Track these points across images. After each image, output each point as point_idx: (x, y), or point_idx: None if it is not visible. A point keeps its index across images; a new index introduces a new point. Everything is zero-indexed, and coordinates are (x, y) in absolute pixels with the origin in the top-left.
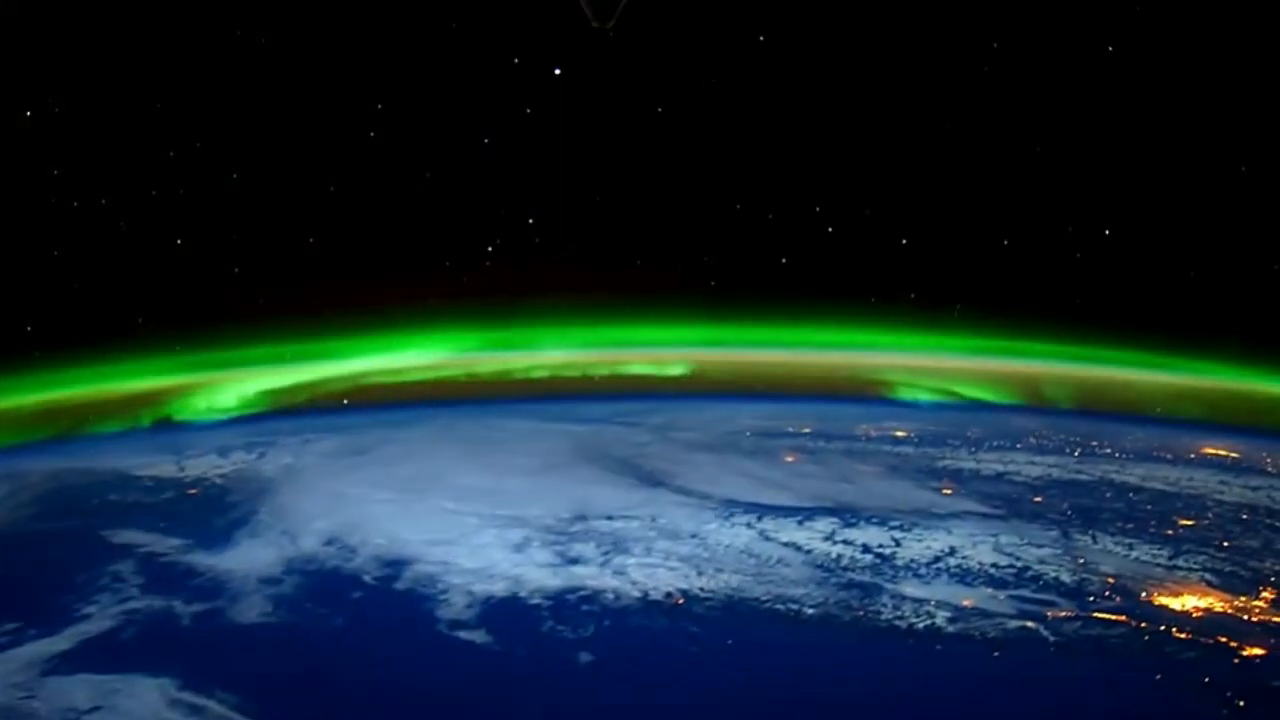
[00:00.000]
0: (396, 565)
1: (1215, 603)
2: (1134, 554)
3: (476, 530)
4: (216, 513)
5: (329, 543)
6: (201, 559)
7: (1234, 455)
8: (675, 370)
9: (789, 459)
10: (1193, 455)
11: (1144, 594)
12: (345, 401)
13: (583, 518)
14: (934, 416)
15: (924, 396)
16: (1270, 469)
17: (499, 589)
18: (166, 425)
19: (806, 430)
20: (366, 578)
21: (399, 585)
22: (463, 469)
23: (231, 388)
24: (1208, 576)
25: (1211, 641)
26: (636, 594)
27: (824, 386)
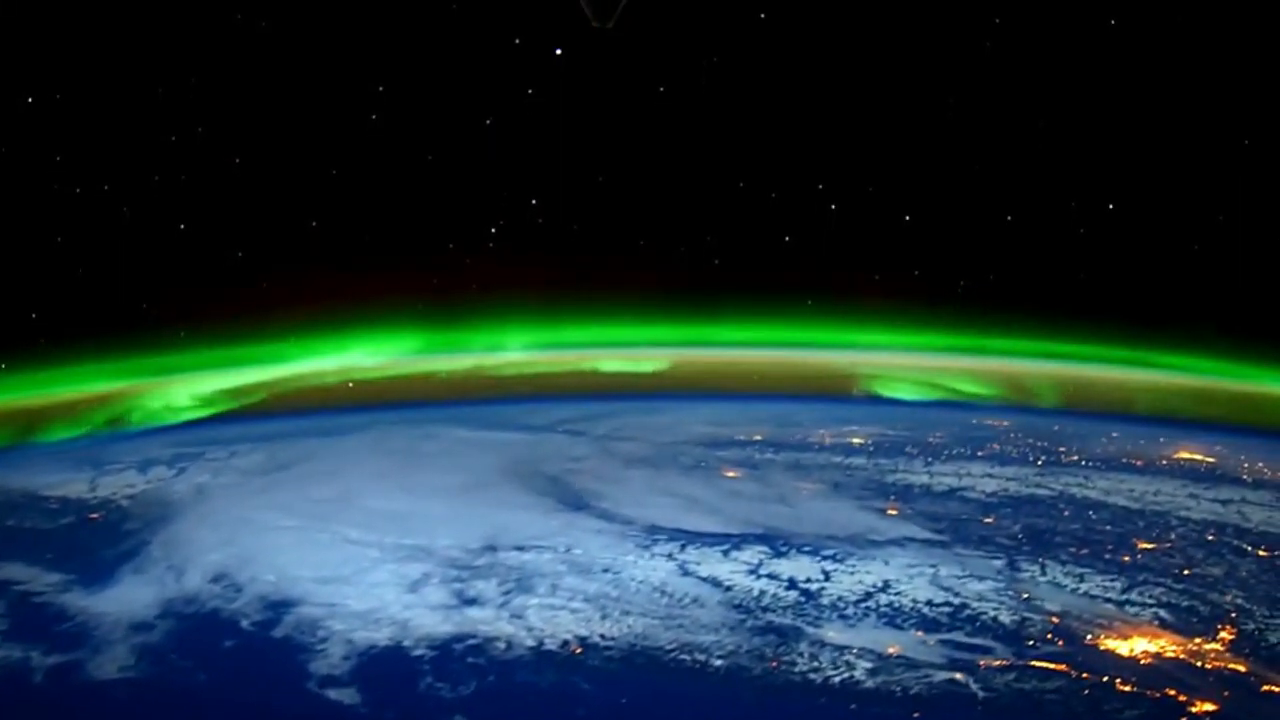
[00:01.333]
0: (280, 608)
1: (1167, 646)
2: (1084, 587)
3: (374, 565)
4: (109, 543)
5: (215, 580)
6: (76, 599)
7: (1210, 460)
8: (648, 367)
9: (729, 474)
10: (1165, 461)
11: (1089, 636)
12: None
13: (492, 549)
14: (901, 418)
15: (902, 393)
16: (1246, 476)
17: (383, 637)
18: (112, 430)
19: (758, 438)
20: (244, 623)
21: (276, 632)
22: (380, 489)
23: (189, 387)
24: (1162, 614)
25: (1159, 695)
26: (530, 643)
27: (799, 385)
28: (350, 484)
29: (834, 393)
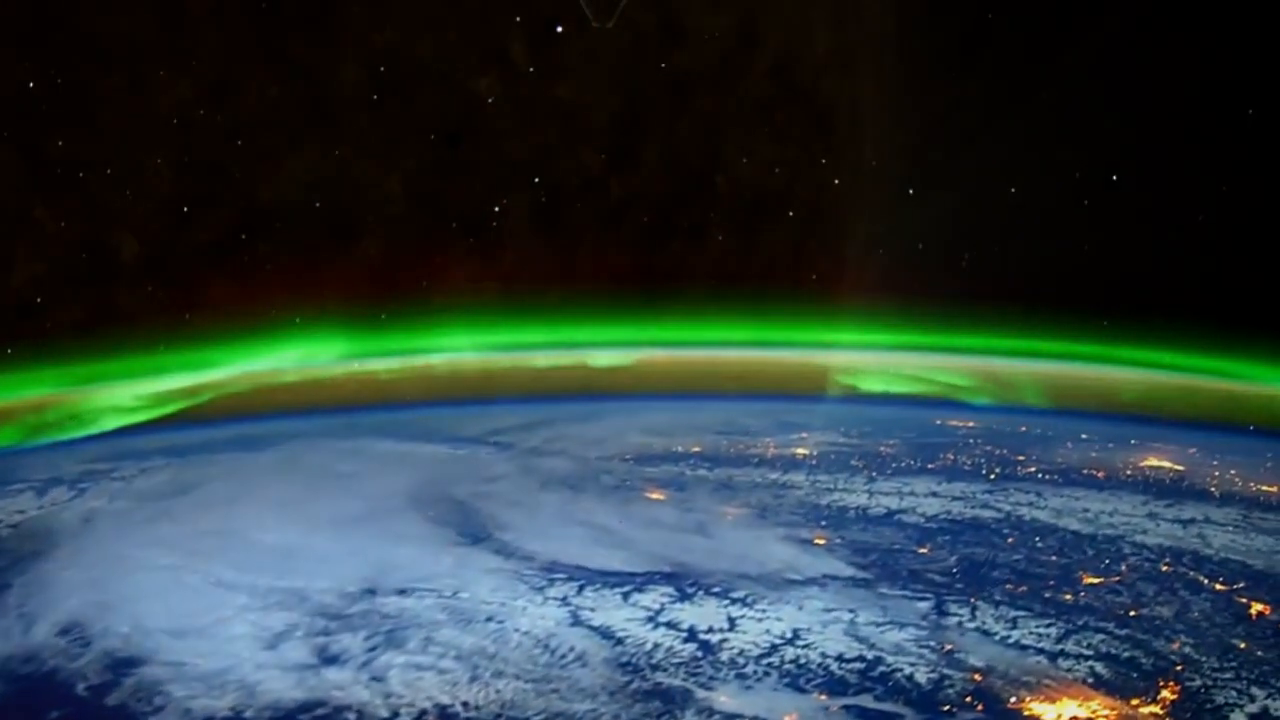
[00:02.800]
0: (123, 667)
1: (1099, 710)
2: (1015, 634)
3: (238, 614)
4: None
5: (64, 631)
6: None
7: (1178, 468)
8: (612, 364)
9: (652, 496)
10: (1129, 472)
11: (1013, 699)
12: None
13: (371, 592)
14: (861, 420)
15: (876, 386)
16: (1214, 488)
17: (224, 705)
18: (34, 440)
19: (695, 450)
20: (80, 686)
21: (111, 699)
22: (274, 520)
23: (137, 389)
24: (1098, 668)
25: None
26: (384, 714)
27: (767, 384)
28: (245, 513)
29: (800, 392)
